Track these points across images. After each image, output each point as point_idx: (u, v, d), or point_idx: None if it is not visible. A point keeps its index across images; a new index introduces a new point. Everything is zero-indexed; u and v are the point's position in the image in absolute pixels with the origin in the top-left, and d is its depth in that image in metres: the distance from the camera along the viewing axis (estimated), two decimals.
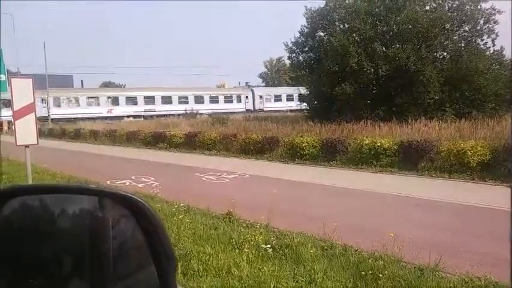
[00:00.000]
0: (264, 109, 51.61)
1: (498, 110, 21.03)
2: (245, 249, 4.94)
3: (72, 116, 42.55)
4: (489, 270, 4.27)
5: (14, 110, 7.22)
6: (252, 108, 52.68)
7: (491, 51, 24.02)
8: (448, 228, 6.57)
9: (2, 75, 8.78)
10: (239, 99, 54.20)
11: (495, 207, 7.45)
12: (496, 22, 23.18)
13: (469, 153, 10.95)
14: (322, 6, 26.80)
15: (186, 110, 44.64)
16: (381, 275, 4.23)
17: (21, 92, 7.20)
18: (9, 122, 32.10)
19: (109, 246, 0.99)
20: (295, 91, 55.12)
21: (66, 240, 0.99)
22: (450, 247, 5.47)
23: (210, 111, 45.34)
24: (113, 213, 1.01)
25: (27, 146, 7.46)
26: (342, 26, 25.78)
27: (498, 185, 9.79)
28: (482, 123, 16.33)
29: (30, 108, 7.26)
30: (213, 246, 5.15)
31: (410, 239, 5.33)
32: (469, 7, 23.53)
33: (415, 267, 4.54)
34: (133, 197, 1.01)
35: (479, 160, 10.87)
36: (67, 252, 0.98)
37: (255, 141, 16.54)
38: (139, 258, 1.02)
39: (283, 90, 57.10)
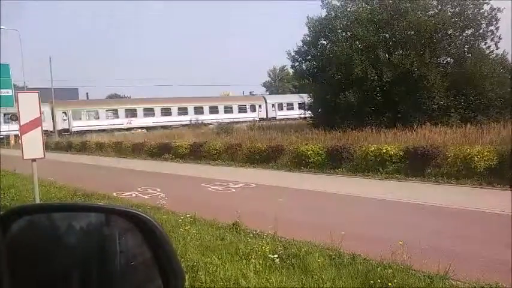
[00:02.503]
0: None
1: (504, 114, 20.90)
2: (252, 260, 4.91)
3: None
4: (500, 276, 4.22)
5: (21, 124, 7.28)
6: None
7: (494, 55, 24.00)
8: (457, 235, 6.50)
9: (9, 90, 8.88)
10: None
11: (504, 212, 7.39)
12: (497, 20, 23.22)
13: (476, 159, 10.88)
14: (323, 15, 26.93)
15: None
16: (390, 284, 4.19)
17: (28, 106, 7.27)
18: (16, 136, 32.41)
19: (116, 262, 1.00)
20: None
21: (74, 257, 1.00)
22: (459, 254, 5.41)
23: None
24: (119, 229, 1.02)
25: (34, 160, 7.51)
26: (344, 34, 25.87)
27: (506, 189, 9.69)
28: (488, 128, 16.23)
29: (36, 123, 7.33)
30: (220, 257, 5.13)
31: (419, 247, 5.27)
32: (471, 11, 23.57)
33: (424, 275, 4.49)
34: (140, 213, 1.01)
35: (487, 165, 10.79)
36: (75, 268, 0.99)
37: (260, 150, 16.55)
38: (146, 274, 1.03)
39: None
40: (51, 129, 39.04)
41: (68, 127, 41.49)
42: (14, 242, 0.98)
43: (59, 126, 40.90)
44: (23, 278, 0.96)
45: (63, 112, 41.62)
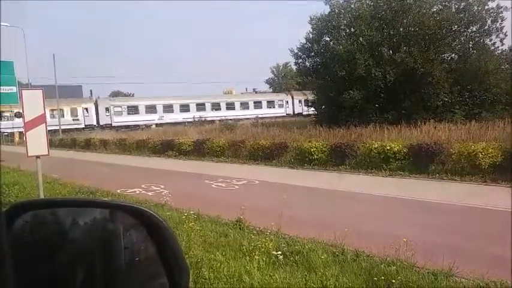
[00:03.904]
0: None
1: (509, 111, 20.78)
2: (256, 256, 4.91)
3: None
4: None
5: (25, 121, 7.32)
6: None
7: (499, 51, 23.86)
8: (459, 232, 6.48)
9: (13, 87, 8.91)
10: None
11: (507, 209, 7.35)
12: (503, 19, 23.10)
13: (480, 155, 10.82)
14: (326, 12, 26.85)
15: None
16: (394, 281, 4.18)
17: (32, 103, 7.30)
18: (20, 133, 32.59)
19: (121, 258, 1.00)
20: None
21: (78, 253, 1.00)
22: (462, 250, 5.39)
23: None
24: (124, 225, 1.01)
25: (38, 157, 7.54)
26: (347, 31, 25.79)
27: (510, 186, 9.63)
28: (492, 125, 16.14)
29: (40, 119, 7.35)
30: (223, 253, 5.14)
31: (422, 244, 5.26)
32: (476, 7, 23.41)
33: (428, 272, 4.48)
34: (144, 209, 1.01)
35: (491, 162, 10.73)
36: (80, 264, 0.99)
37: (263, 147, 16.54)
38: (151, 269, 1.02)
39: None
40: (290, 113, 53.19)
41: (301, 111, 52.62)
42: (18, 237, 0.98)
43: (296, 111, 54.16)
44: (27, 273, 0.96)
45: (298, 100, 55.09)
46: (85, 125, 43.69)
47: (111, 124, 44.27)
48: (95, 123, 44.68)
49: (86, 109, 45.10)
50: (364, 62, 23.11)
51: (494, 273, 4.30)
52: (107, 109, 45.61)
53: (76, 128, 41.72)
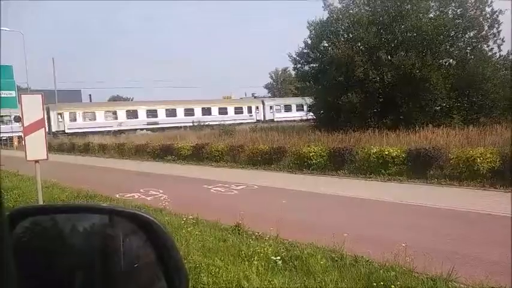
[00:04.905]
0: None
1: (506, 116, 20.84)
2: (255, 262, 4.90)
3: None
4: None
5: (24, 125, 7.31)
6: None
7: (497, 57, 23.96)
8: (458, 237, 6.48)
9: (13, 92, 8.92)
10: None
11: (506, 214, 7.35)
12: (499, 24, 23.21)
13: (479, 160, 10.84)
14: (325, 17, 26.99)
15: None
16: (393, 286, 4.18)
17: (31, 108, 7.29)
18: (19, 138, 32.56)
19: (120, 263, 1.00)
20: None
21: (77, 258, 1.00)
22: (460, 256, 5.39)
23: None
24: (123, 231, 1.01)
25: (37, 161, 7.53)
26: (346, 36, 25.89)
27: (509, 191, 9.64)
28: (490, 129, 16.18)
29: (40, 124, 7.35)
30: (222, 258, 5.12)
31: (421, 248, 5.26)
32: (473, 13, 23.53)
33: (427, 278, 4.47)
34: (143, 214, 1.01)
35: (489, 167, 10.75)
36: (79, 270, 0.99)
37: (262, 151, 16.54)
38: (150, 275, 1.03)
39: None
40: None
41: None
42: (17, 243, 0.98)
43: None
44: (27, 279, 0.96)
45: None
46: (256, 120, 52.13)
47: (272, 119, 52.76)
48: (262, 118, 54.07)
49: (257, 107, 55.86)
50: (362, 65, 23.21)
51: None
52: (271, 107, 56.37)
53: (252, 122, 49.05)
